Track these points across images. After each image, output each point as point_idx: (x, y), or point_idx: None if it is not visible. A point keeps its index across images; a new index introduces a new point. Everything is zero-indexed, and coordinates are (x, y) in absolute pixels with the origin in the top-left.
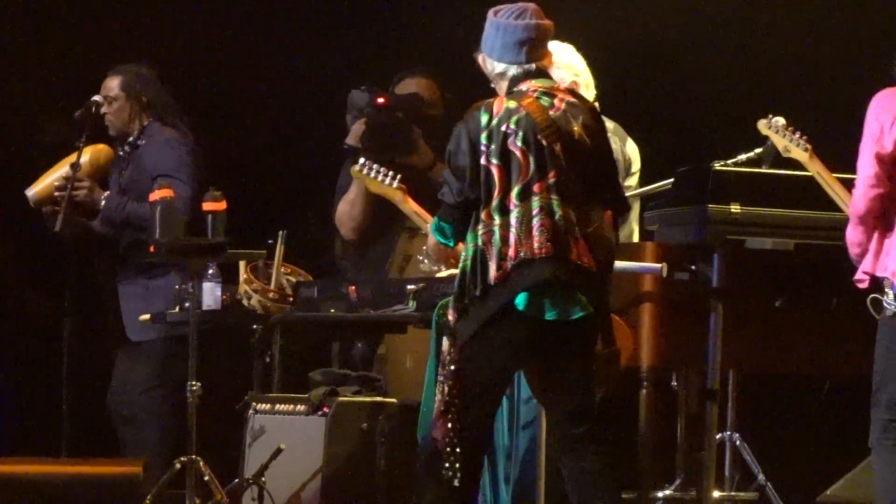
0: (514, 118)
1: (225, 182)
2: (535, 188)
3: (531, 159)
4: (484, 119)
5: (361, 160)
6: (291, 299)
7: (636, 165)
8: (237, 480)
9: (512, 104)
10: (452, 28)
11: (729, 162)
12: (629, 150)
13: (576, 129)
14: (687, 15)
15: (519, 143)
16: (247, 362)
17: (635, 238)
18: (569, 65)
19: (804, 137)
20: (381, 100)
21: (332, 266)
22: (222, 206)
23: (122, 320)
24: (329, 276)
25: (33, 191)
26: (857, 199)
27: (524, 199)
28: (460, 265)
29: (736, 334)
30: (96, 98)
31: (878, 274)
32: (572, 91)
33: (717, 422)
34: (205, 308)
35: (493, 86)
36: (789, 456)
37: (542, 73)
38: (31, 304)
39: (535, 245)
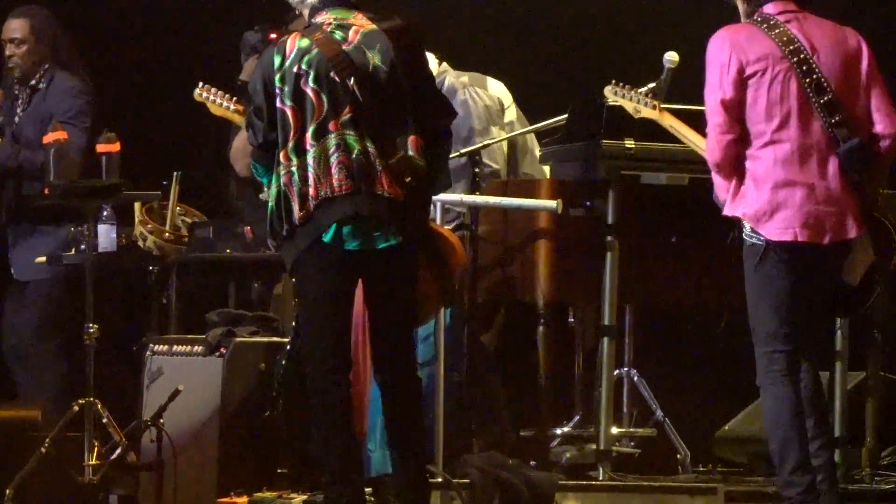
0: (305, 58)
1: (118, 123)
2: (330, 126)
3: (324, 98)
4: (277, 60)
5: (200, 84)
6: (187, 240)
7: (508, 100)
8: (136, 422)
9: (304, 43)
10: None
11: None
12: (493, 91)
13: (371, 59)
14: None
15: (311, 83)
16: (143, 303)
17: (544, 169)
18: None
19: (650, 95)
20: (273, 35)
21: (227, 206)
22: (116, 147)
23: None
24: (224, 217)
25: None
26: (712, 147)
27: (320, 139)
28: (268, 205)
29: (632, 270)
30: None
31: (733, 214)
32: (374, 17)
33: (614, 358)
34: (100, 250)
35: (297, 13)
36: (687, 392)
37: (342, 2)
38: None
39: (335, 183)
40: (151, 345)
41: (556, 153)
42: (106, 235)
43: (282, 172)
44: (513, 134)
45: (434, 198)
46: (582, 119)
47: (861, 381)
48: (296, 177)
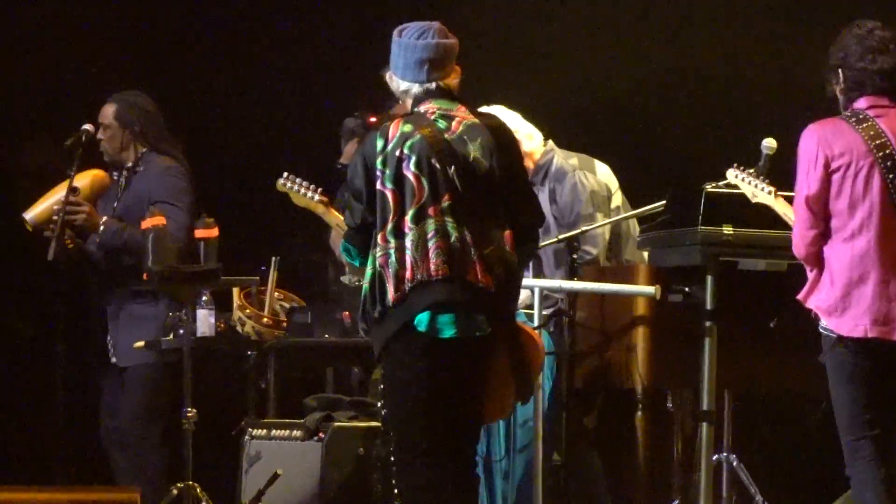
0: (408, 142)
1: (216, 208)
2: (430, 211)
3: (425, 183)
4: (379, 144)
5: (285, 174)
6: (285, 325)
7: (614, 185)
8: None
9: (407, 128)
10: None
11: (720, 183)
12: (602, 178)
13: (472, 151)
14: (677, 41)
15: (412, 168)
16: (241, 388)
17: (644, 255)
18: None
19: (766, 181)
20: (372, 119)
21: (326, 291)
22: (214, 232)
23: (106, 345)
24: (322, 302)
25: (32, 214)
26: (797, 242)
27: (419, 222)
28: (363, 287)
29: (730, 355)
30: (87, 126)
31: (808, 306)
32: (476, 112)
33: (712, 443)
34: (199, 335)
35: (400, 103)
36: (786, 477)
37: (445, 93)
38: (23, 330)
39: (432, 267)
40: (250, 429)
41: (654, 239)
42: (205, 320)
43: (378, 254)
44: (612, 220)
45: (532, 283)
46: (680, 205)
47: None
48: (392, 258)
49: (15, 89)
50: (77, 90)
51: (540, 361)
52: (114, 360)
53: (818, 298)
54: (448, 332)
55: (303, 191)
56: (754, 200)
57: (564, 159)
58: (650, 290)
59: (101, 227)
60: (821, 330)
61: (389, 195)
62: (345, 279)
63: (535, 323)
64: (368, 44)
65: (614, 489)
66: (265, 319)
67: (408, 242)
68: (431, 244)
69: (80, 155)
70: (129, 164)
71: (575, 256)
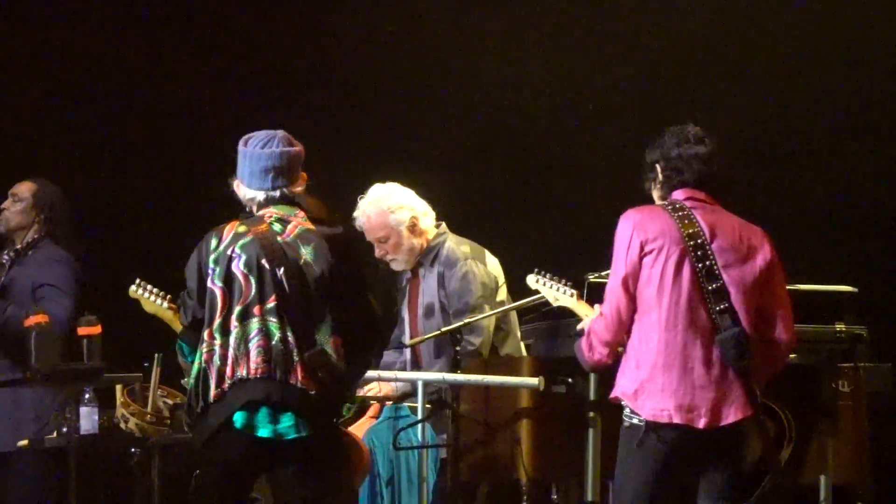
0: (240, 242)
1: (99, 305)
2: (255, 310)
3: (253, 282)
4: (213, 243)
5: (137, 280)
6: (169, 421)
7: (501, 278)
8: None
9: (241, 229)
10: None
11: (603, 273)
12: (492, 269)
13: (304, 254)
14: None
15: (242, 267)
16: (126, 485)
17: (523, 350)
18: (400, 205)
19: (569, 283)
20: None
21: None
22: (97, 330)
23: None
24: None
25: None
26: (607, 327)
27: (244, 321)
28: (189, 383)
29: (614, 446)
30: None
31: (613, 395)
32: (314, 219)
33: None
34: (83, 433)
35: (248, 210)
36: None
37: (287, 200)
38: None
39: (252, 365)
40: None
41: (537, 330)
42: (88, 418)
43: (204, 350)
44: (496, 311)
45: (416, 376)
46: None
47: None
48: (216, 355)
49: None
50: None
51: (364, 467)
52: None
53: (623, 384)
54: (263, 432)
55: (152, 297)
56: (555, 304)
57: (456, 245)
58: (534, 381)
59: None
60: (624, 419)
61: (218, 292)
62: (184, 382)
63: (420, 415)
64: None
65: None
66: (148, 416)
67: (232, 340)
68: (253, 343)
69: None
70: (19, 247)
71: (458, 348)
